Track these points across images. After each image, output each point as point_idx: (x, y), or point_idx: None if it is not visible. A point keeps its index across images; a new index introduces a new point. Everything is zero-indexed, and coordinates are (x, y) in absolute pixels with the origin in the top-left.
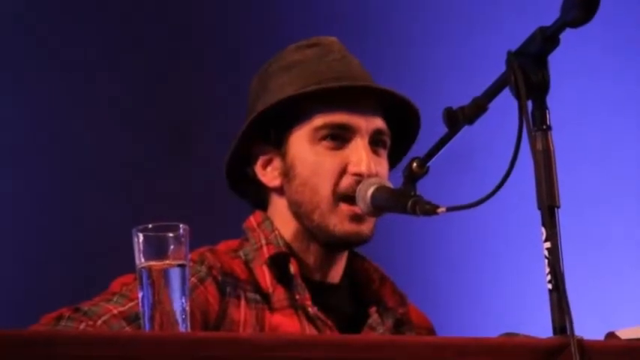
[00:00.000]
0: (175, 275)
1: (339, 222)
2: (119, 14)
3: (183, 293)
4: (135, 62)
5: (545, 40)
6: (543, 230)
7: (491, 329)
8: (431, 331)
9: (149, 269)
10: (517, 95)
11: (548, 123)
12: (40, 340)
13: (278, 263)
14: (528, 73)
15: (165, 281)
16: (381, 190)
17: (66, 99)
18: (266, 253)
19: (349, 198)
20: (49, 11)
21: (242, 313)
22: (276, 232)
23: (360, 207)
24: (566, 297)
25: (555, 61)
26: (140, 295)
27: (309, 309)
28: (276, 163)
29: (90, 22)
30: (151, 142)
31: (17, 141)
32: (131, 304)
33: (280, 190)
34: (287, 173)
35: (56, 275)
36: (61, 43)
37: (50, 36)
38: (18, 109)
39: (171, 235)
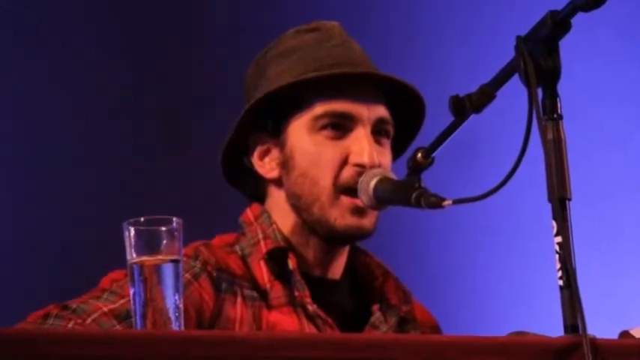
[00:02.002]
0: (168, 271)
1: (339, 215)
2: (119, 14)
3: (176, 290)
4: (134, 57)
5: (556, 24)
6: (554, 224)
7: (500, 328)
8: (436, 329)
9: (141, 265)
10: (526, 82)
11: (559, 112)
12: (27, 338)
13: (276, 258)
14: (538, 59)
15: (157, 277)
16: (384, 181)
17: (65, 98)
18: (263, 247)
19: (350, 190)
20: (49, 10)
21: (238, 311)
22: (274, 226)
23: (362, 199)
24: (578, 294)
25: (566, 45)
26: (131, 291)
27: (309, 306)
28: (274, 153)
29: (90, 22)
30: (149, 138)
31: (14, 140)
32: (122, 301)
33: (278, 182)
34: (285, 164)
35: (47, 274)
36: (61, 43)
37: (50, 36)
38: (10, 107)
39: (163, 229)
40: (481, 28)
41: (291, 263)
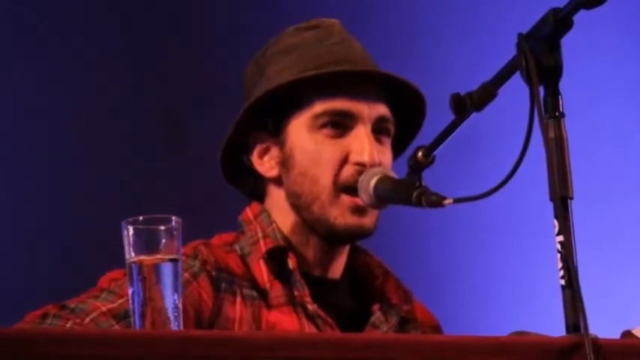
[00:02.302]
0: (167, 270)
1: (340, 214)
2: (119, 14)
3: (175, 289)
4: (134, 57)
5: (558, 22)
6: (556, 223)
7: (501, 327)
8: (437, 329)
9: (139, 264)
10: (528, 80)
11: (560, 110)
12: (26, 338)
13: (276, 258)
14: (540, 56)
15: (156, 277)
16: (384, 180)
17: (65, 98)
18: (263, 247)
19: (351, 189)
20: (49, 10)
21: (237, 310)
22: (274, 225)
23: (363, 198)
24: (579, 294)
25: (567, 43)
26: (130, 291)
27: (309, 306)
28: (274, 152)
29: (90, 22)
30: (149, 138)
31: (14, 140)
32: (120, 300)
33: (278, 181)
34: (285, 163)
35: (47, 274)
36: (61, 43)
37: (50, 36)
38: (10, 107)
39: (162, 228)
40: (481, 28)
41: (291, 262)
